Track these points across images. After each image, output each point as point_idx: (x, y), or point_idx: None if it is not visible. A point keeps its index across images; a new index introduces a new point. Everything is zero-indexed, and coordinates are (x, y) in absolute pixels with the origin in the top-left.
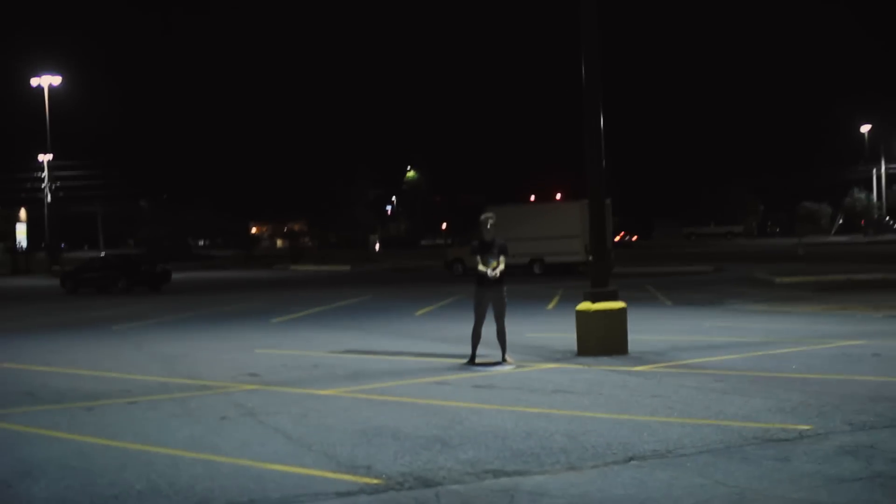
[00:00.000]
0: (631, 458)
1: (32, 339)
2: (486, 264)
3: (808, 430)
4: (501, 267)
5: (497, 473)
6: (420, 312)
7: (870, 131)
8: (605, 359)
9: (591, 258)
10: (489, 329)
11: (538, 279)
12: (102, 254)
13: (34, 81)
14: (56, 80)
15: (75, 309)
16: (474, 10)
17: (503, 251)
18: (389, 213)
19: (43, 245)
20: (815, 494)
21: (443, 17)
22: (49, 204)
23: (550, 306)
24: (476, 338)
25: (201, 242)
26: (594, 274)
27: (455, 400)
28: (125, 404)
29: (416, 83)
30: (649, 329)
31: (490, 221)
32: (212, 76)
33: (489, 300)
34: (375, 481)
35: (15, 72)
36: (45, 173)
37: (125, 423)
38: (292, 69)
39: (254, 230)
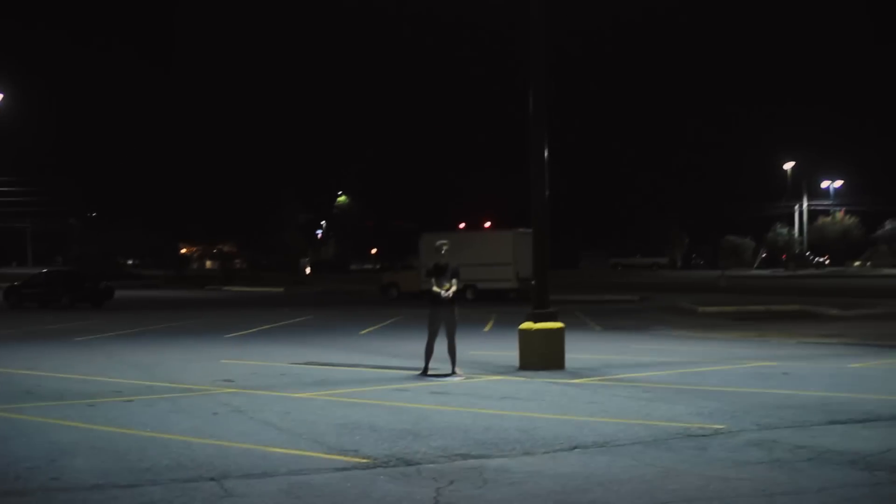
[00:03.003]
0: (575, 447)
1: (4, 347)
2: (440, 286)
3: (722, 428)
4: (454, 288)
5: (465, 456)
6: (364, 332)
7: (793, 168)
8: (545, 372)
9: (533, 283)
10: (439, 345)
11: (472, 304)
12: (45, 270)
13: None
14: None
15: (28, 322)
16: (408, 40)
17: (455, 274)
18: (320, 237)
19: None
20: (725, 472)
21: (377, 42)
22: None
23: (487, 328)
24: (429, 351)
25: (130, 261)
26: (536, 296)
27: (417, 403)
28: (122, 402)
29: (349, 109)
30: (582, 349)
31: (444, 247)
32: (141, 95)
33: (442, 318)
34: (364, 460)
35: None
36: None
37: (129, 417)
38: (221, 93)
39: (183, 251)
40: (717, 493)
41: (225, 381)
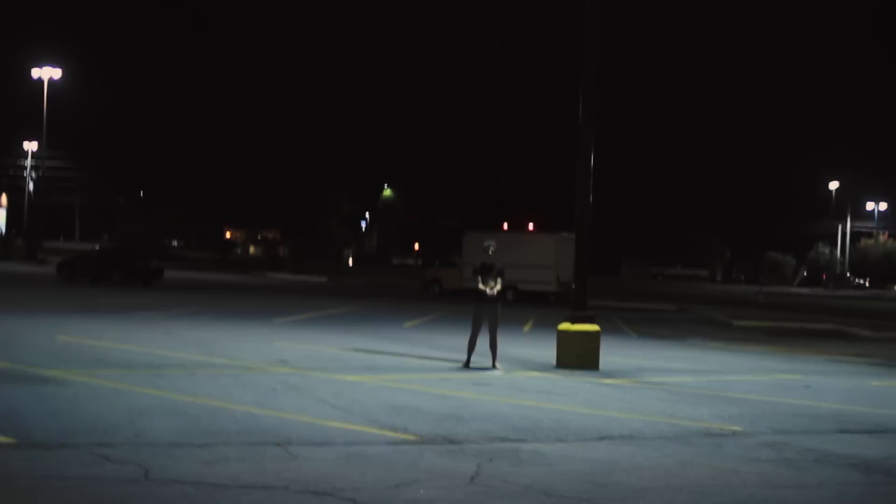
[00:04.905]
0: (603, 438)
1: (69, 318)
2: (485, 284)
3: (739, 430)
4: (499, 287)
5: (503, 439)
6: (408, 324)
7: (838, 188)
8: (580, 372)
9: (573, 286)
10: (481, 340)
11: (512, 305)
12: (97, 247)
13: (35, 73)
14: (56, 73)
15: (85, 296)
16: (462, 39)
17: (500, 274)
18: (363, 229)
19: (13, 231)
20: (737, 466)
21: (429, 38)
22: (31, 192)
23: (526, 328)
24: (472, 345)
25: (175, 243)
26: (575, 299)
27: (460, 391)
28: (186, 374)
29: (398, 104)
30: (617, 353)
31: (491, 248)
32: (200, 79)
33: (486, 315)
34: (412, 437)
35: (14, 61)
36: (29, 161)
37: (196, 387)
38: (278, 79)
39: (228, 235)
40: (727, 482)
41: (280, 361)
